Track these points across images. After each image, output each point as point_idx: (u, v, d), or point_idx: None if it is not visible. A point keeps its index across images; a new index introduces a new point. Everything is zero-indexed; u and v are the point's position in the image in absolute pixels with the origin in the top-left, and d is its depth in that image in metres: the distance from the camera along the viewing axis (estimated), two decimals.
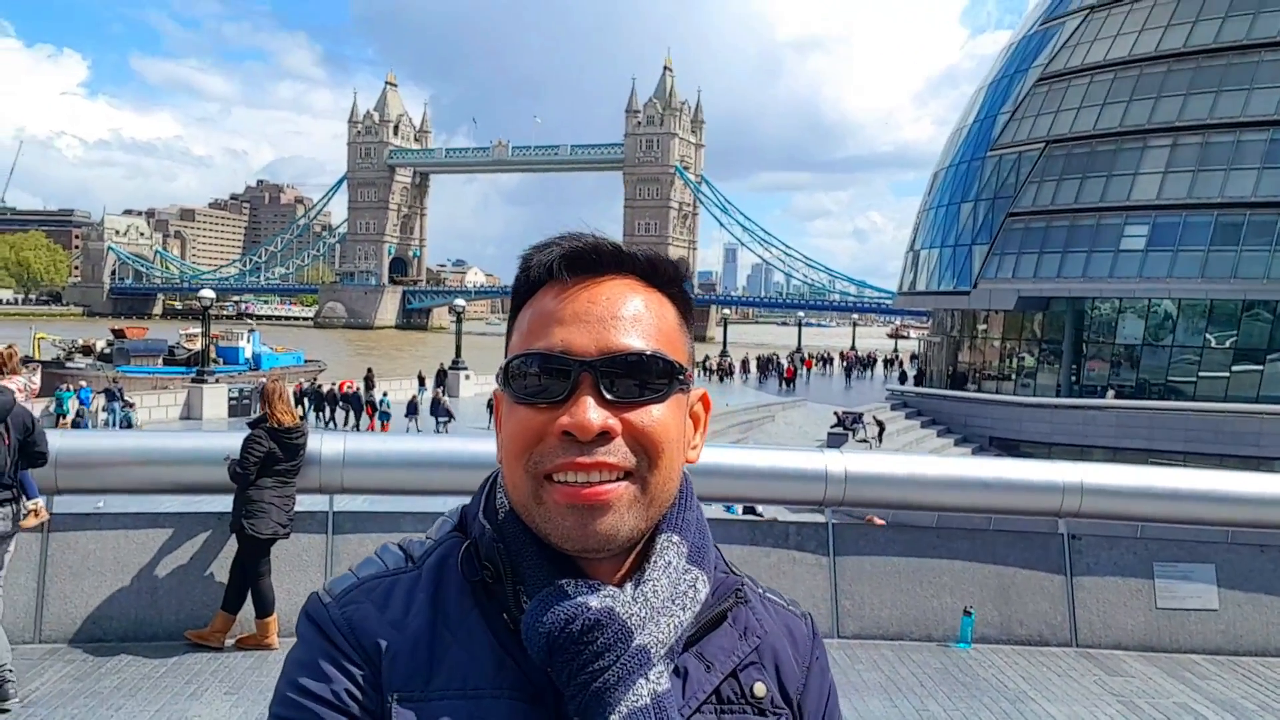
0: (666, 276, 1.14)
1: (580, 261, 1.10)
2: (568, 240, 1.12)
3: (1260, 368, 39.95)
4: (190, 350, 59.27)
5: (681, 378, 1.10)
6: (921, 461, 9.60)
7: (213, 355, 48.53)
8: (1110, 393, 42.27)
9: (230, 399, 36.78)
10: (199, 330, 51.05)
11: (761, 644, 1.17)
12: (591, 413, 1.04)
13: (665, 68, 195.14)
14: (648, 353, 1.07)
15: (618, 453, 1.05)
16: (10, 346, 7.01)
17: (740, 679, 1.14)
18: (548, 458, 1.05)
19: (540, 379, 1.06)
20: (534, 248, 1.14)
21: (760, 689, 1.14)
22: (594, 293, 1.09)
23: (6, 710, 5.99)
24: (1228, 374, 40.54)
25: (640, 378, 1.07)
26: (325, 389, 39.80)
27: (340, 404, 38.23)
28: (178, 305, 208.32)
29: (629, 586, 1.08)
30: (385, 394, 39.35)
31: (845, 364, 77.34)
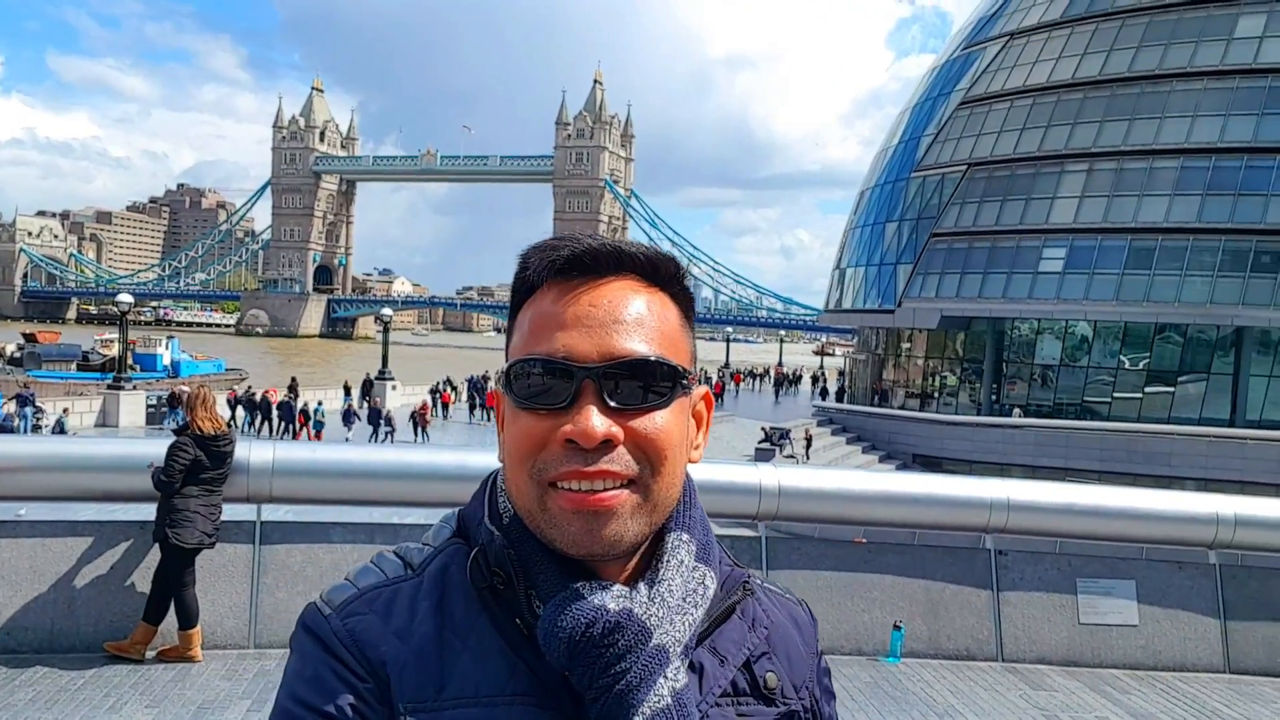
0: (668, 275, 1.13)
1: (580, 263, 1.09)
2: (567, 242, 1.11)
3: (1171, 389, 41.20)
4: (106, 356, 57.85)
5: (685, 381, 1.10)
6: (854, 477, 9.71)
7: (130, 362, 47.24)
8: (1017, 411, 43.31)
9: (148, 406, 35.88)
10: (116, 336, 49.74)
11: (771, 634, 1.19)
12: (595, 420, 1.03)
13: (595, 81, 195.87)
14: (650, 358, 1.06)
15: (620, 461, 1.04)
16: None
17: (754, 670, 1.15)
18: (552, 465, 1.04)
19: (543, 385, 1.06)
20: (532, 248, 1.13)
21: (773, 679, 1.16)
22: (595, 295, 1.08)
23: None
24: (1141, 395, 41.72)
25: (643, 383, 1.06)
26: (258, 397, 39.38)
27: (274, 412, 37.94)
28: (93, 310, 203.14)
29: (643, 586, 1.08)
30: (320, 403, 39.08)
31: (775, 380, 78.08)
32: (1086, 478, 34.39)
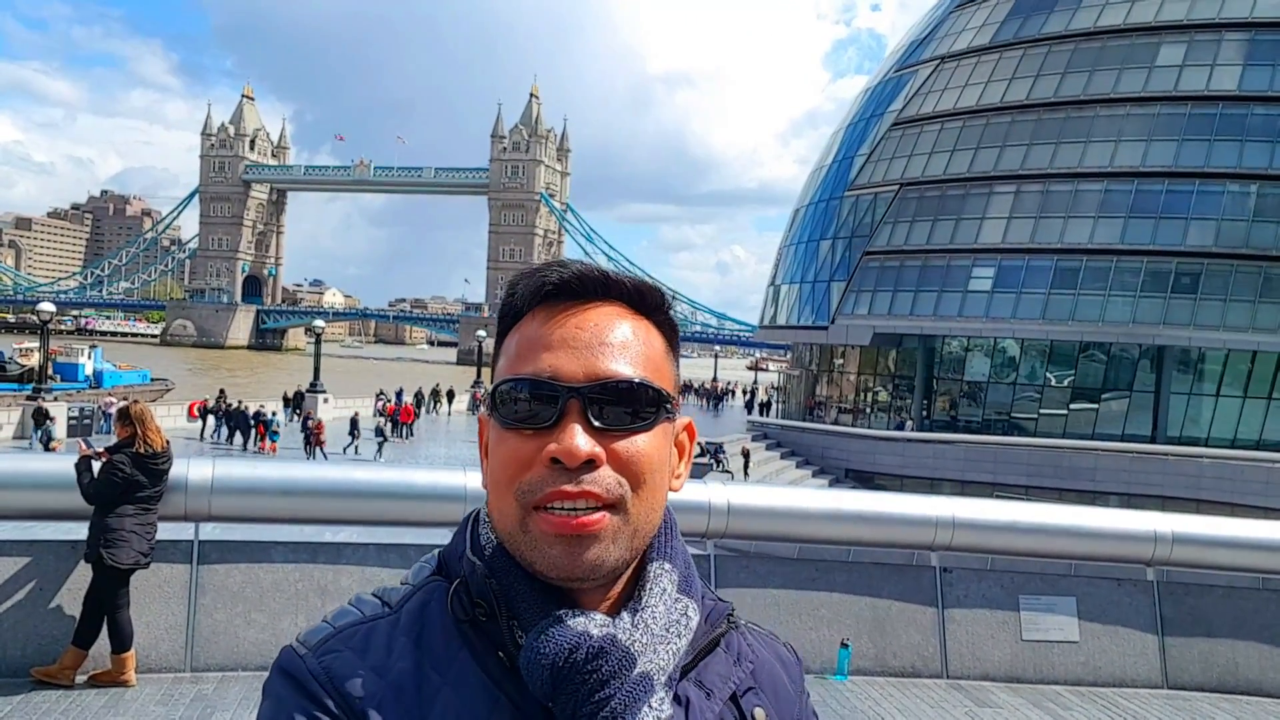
0: (653, 304, 1.14)
1: (568, 288, 1.10)
2: (554, 267, 1.11)
3: (1096, 406, 42.23)
4: (24, 366, 56.08)
5: (669, 406, 1.10)
6: (803, 495, 9.76)
7: (50, 372, 45.90)
8: (909, 424, 44.29)
9: (70, 418, 34.87)
10: (36, 345, 48.31)
11: (757, 670, 1.18)
12: (579, 439, 1.03)
13: (532, 95, 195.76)
14: (635, 380, 1.07)
15: (602, 483, 1.04)
16: None
17: (741, 705, 1.14)
18: (537, 488, 1.04)
19: (528, 405, 1.06)
20: (521, 275, 1.14)
21: (761, 715, 1.14)
22: (582, 319, 1.09)
23: None
24: (1066, 411, 42.66)
25: (628, 405, 1.06)
26: (234, 407, 39.16)
27: (250, 421, 37.72)
28: (10, 318, 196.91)
29: (626, 614, 1.07)
30: (274, 413, 38.88)
31: (711, 394, 78.53)
32: (1014, 492, 35.07)
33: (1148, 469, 36.97)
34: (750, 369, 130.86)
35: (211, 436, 38.50)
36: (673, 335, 1.17)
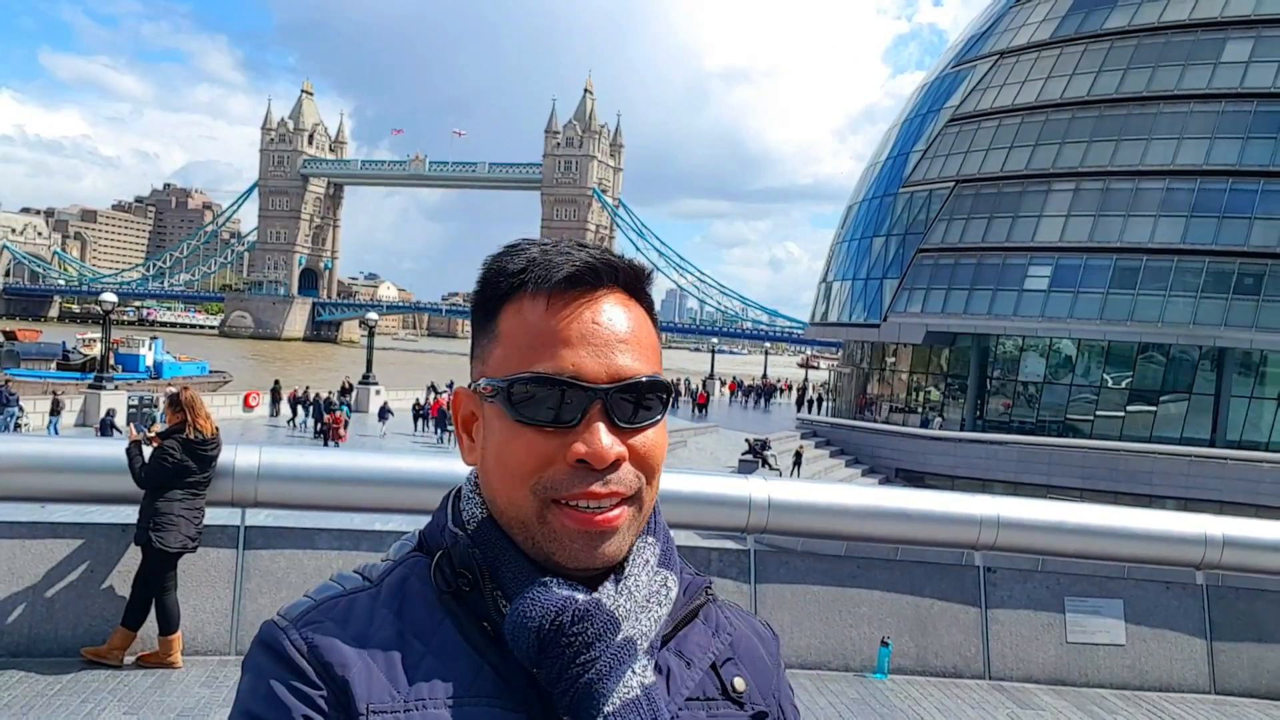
0: (644, 285, 1.16)
1: (580, 277, 1.10)
2: (557, 252, 1.11)
3: (1154, 408, 41.43)
4: (87, 355, 57.41)
5: (670, 396, 1.13)
6: (845, 491, 9.67)
7: (112, 361, 46.89)
8: (938, 421, 43.81)
9: (130, 407, 35.58)
10: (98, 335, 49.39)
11: (735, 641, 1.19)
12: (606, 440, 1.05)
13: (586, 90, 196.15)
14: (653, 378, 1.10)
15: (625, 481, 1.07)
16: None
17: (721, 674, 1.16)
18: (560, 485, 1.05)
19: (549, 403, 1.06)
20: (511, 251, 1.13)
21: (740, 684, 1.16)
22: (595, 311, 1.09)
23: None
24: (1123, 413, 41.93)
25: (645, 402, 1.09)
26: (324, 396, 40.36)
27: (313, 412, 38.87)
28: (75, 308, 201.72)
29: (610, 584, 1.09)
30: (346, 402, 39.81)
31: (760, 391, 78.21)
32: (1068, 495, 34.52)
33: (1206, 473, 36.23)
34: (801, 366, 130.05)
35: (299, 425, 39.45)
36: (654, 312, 1.19)
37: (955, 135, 47.73)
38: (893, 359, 50.16)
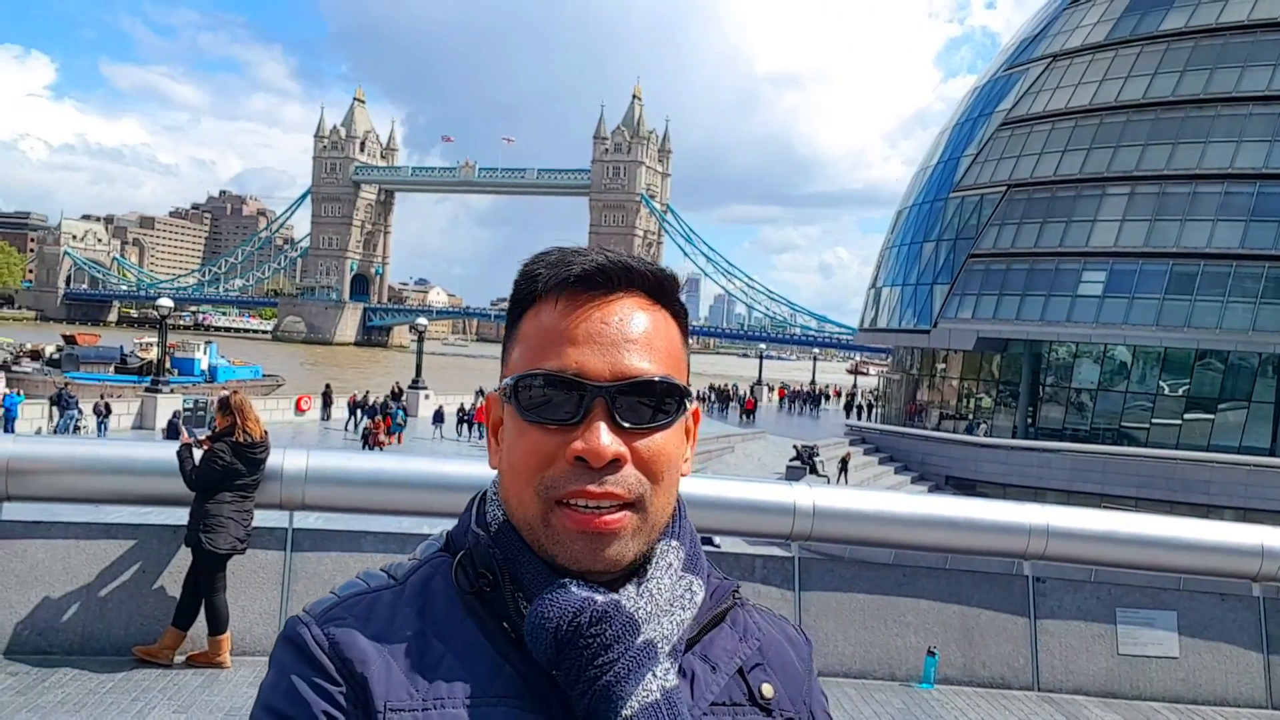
0: (670, 292, 1.15)
1: (592, 279, 1.10)
2: (577, 256, 1.11)
3: (1211, 416, 40.58)
4: (144, 359, 58.48)
5: (686, 400, 1.11)
6: (891, 498, 9.57)
7: (168, 365, 47.73)
8: (982, 428, 43.37)
9: (185, 410, 36.19)
10: (155, 339, 50.31)
11: (764, 646, 1.18)
12: (605, 439, 1.04)
13: (634, 97, 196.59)
14: (660, 379, 1.08)
15: (625, 483, 1.05)
16: None
17: (748, 680, 1.14)
18: (560, 484, 1.05)
19: (552, 400, 1.06)
20: (537, 257, 1.14)
21: (769, 689, 1.14)
22: (606, 312, 1.09)
23: None
24: (1180, 421, 41.11)
25: (651, 403, 1.07)
26: (380, 400, 41.25)
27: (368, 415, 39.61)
28: (134, 313, 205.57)
29: (631, 585, 1.08)
30: (401, 406, 40.41)
31: (807, 397, 77.79)
32: (1123, 504, 33.93)
33: (1266, 483, 35.38)
34: (850, 372, 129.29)
35: (356, 429, 39.89)
36: (686, 322, 1.17)
37: (1008, 139, 47.14)
38: (943, 365, 49.61)
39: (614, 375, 1.06)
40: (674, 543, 1.14)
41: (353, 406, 41.54)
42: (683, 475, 1.16)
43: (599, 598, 1.04)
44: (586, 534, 1.04)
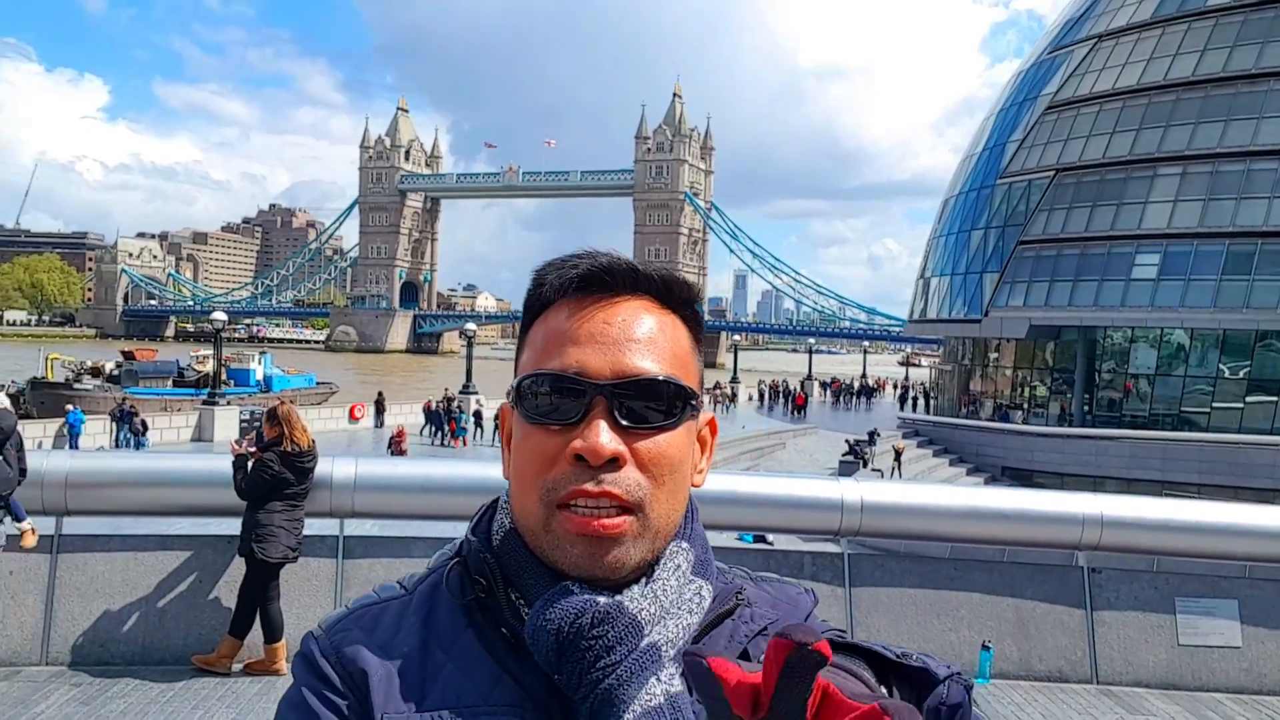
0: (681, 298, 1.14)
1: (596, 281, 1.10)
2: (584, 258, 1.11)
3: (1275, 398, 39.62)
4: (200, 372, 59.43)
5: (694, 403, 1.10)
6: (939, 491, 9.46)
7: (224, 377, 48.50)
8: (1019, 415, 42.84)
9: (241, 421, 36.77)
10: (210, 352, 51.13)
11: (769, 625, 1.15)
12: (604, 436, 1.03)
13: (675, 95, 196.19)
14: (661, 378, 1.07)
15: (623, 484, 1.04)
16: None
17: (749, 652, 1.11)
18: (560, 485, 1.04)
19: (553, 399, 1.06)
20: (548, 264, 1.14)
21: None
22: (609, 313, 1.09)
23: None
24: (1242, 404, 40.24)
25: (653, 403, 1.06)
26: (445, 405, 41.99)
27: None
28: (190, 328, 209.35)
29: (636, 587, 1.07)
30: (460, 409, 41.14)
31: (859, 391, 77.18)
32: (1185, 491, 33.30)
33: None
34: (901, 364, 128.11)
35: (432, 435, 40.84)
36: (698, 330, 1.16)
37: (1054, 123, 46.43)
38: (995, 354, 48.99)
39: (615, 374, 1.05)
40: (683, 544, 1.12)
41: (429, 412, 42.29)
42: (695, 486, 1.14)
43: (602, 599, 1.03)
44: (586, 538, 1.03)
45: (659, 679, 1.01)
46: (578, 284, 1.09)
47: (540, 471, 1.05)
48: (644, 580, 1.08)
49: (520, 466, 1.08)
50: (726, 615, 1.13)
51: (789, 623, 1.14)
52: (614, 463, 1.03)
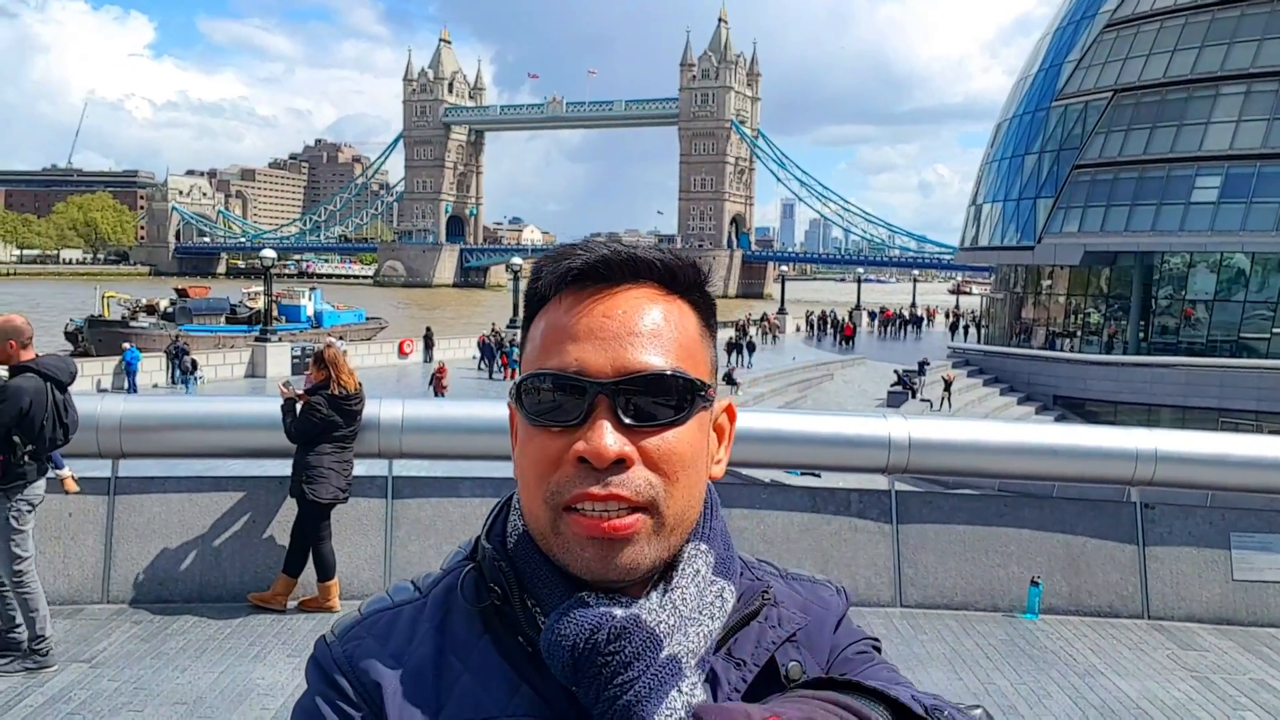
0: (687, 282, 1.08)
1: (595, 271, 1.04)
2: (582, 250, 1.06)
3: None
4: (252, 309, 60.23)
5: (704, 394, 1.04)
6: (989, 427, 9.33)
7: (275, 314, 49.13)
8: (1060, 340, 41.47)
9: (293, 357, 37.29)
10: (261, 289, 51.74)
11: (798, 630, 1.11)
12: (608, 438, 0.98)
13: (720, 20, 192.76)
14: (667, 372, 1.01)
15: (632, 484, 0.99)
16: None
17: (777, 665, 1.07)
18: (565, 488, 1.00)
19: (554, 400, 1.01)
20: (547, 256, 1.09)
21: (796, 669, 1.07)
22: (608, 306, 1.04)
23: (51, 666, 6.11)
24: None
25: (660, 398, 1.01)
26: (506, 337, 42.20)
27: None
28: (241, 264, 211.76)
29: (655, 595, 1.02)
30: (512, 343, 40.74)
31: (910, 320, 76.30)
32: (1242, 418, 32.80)
33: None
34: (952, 293, 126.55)
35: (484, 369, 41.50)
36: (709, 313, 1.11)
37: (1113, 42, 45.03)
38: (1049, 282, 48.18)
39: (617, 370, 1.00)
40: (703, 546, 1.08)
41: (483, 346, 42.72)
42: (713, 478, 1.10)
43: (618, 612, 0.99)
44: (596, 540, 0.99)
45: (680, 691, 0.97)
46: (574, 276, 1.05)
47: (544, 475, 1.01)
48: (662, 587, 1.04)
49: (524, 469, 1.04)
50: (752, 616, 1.09)
51: (814, 626, 1.11)
52: (620, 464, 0.99)
